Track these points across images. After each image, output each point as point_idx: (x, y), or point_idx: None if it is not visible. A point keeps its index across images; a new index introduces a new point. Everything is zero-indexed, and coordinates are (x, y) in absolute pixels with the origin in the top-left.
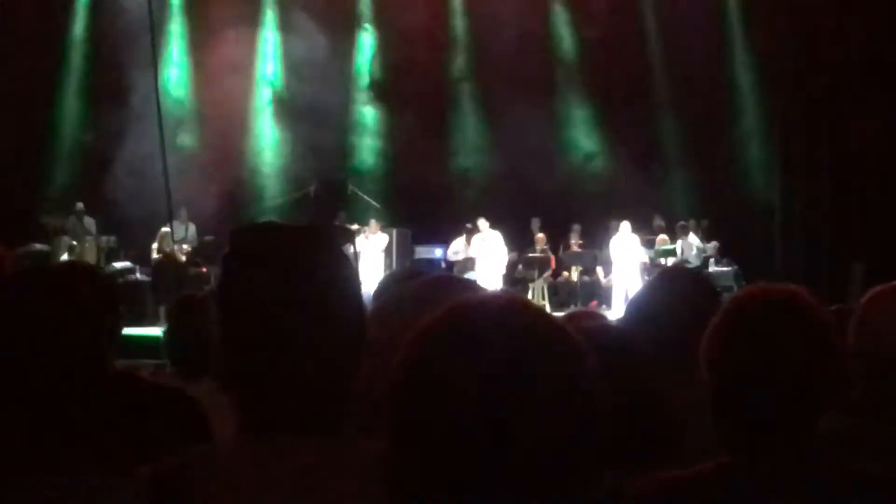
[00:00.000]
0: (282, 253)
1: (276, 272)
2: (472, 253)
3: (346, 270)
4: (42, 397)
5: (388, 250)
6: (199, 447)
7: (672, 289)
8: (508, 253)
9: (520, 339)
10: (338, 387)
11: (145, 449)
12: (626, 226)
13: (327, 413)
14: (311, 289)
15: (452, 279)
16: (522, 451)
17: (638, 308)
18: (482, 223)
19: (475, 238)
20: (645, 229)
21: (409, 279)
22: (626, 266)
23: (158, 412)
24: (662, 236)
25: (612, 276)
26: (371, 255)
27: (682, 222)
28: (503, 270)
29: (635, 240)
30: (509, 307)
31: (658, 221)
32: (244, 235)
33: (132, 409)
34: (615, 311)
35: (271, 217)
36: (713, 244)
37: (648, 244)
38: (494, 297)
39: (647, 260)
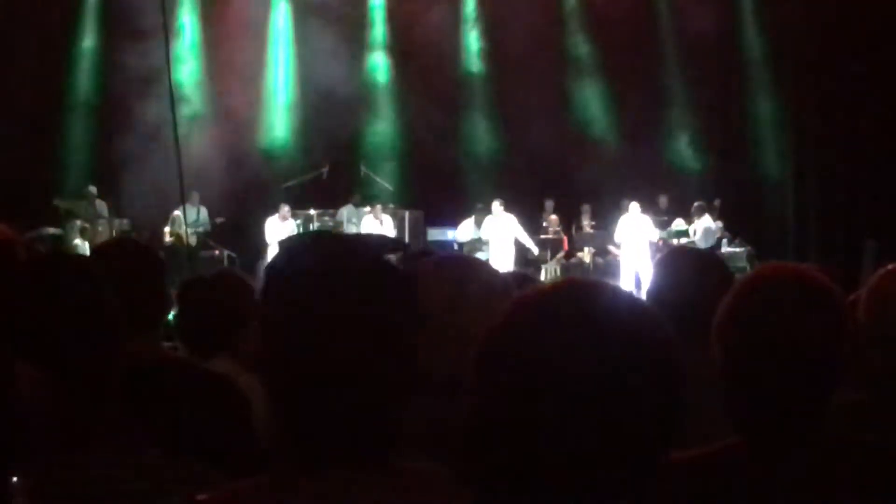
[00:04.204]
0: (330, 268)
1: (325, 288)
2: (483, 235)
3: (398, 289)
4: (78, 378)
5: (399, 232)
6: (250, 481)
7: (680, 269)
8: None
9: (618, 322)
10: (388, 413)
11: (187, 433)
12: (634, 206)
13: (379, 443)
14: (361, 308)
15: (461, 258)
16: (607, 428)
17: (650, 292)
18: (496, 206)
19: (487, 220)
20: (652, 209)
21: (419, 258)
22: (634, 246)
23: (203, 397)
24: (679, 219)
25: (620, 255)
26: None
27: (698, 203)
28: (512, 253)
29: (646, 220)
30: (606, 292)
31: (664, 201)
32: (290, 247)
33: (172, 393)
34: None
35: (280, 201)
36: (719, 224)
37: (660, 225)
38: (594, 282)
39: (656, 239)
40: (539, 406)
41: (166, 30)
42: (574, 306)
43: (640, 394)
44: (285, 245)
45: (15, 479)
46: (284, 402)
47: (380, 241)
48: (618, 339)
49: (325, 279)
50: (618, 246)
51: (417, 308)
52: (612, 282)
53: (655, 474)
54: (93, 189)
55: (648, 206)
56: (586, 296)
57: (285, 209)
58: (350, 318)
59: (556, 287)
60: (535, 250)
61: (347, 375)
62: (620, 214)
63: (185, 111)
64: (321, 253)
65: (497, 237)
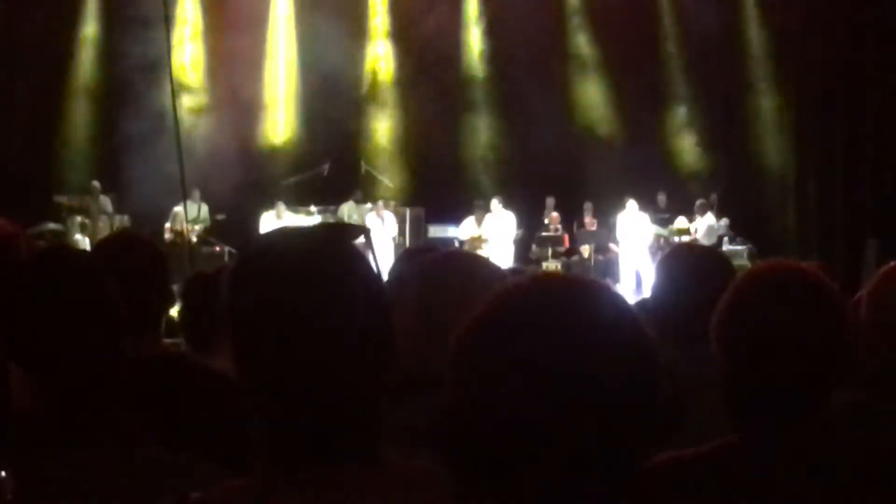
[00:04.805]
0: (293, 264)
1: (289, 285)
2: (483, 232)
3: (363, 276)
4: (77, 375)
5: (400, 229)
6: (242, 479)
7: (683, 266)
8: (517, 230)
9: (594, 321)
10: (367, 407)
11: (188, 429)
12: (632, 204)
13: (360, 438)
14: (328, 301)
15: (463, 254)
16: (578, 425)
17: (654, 290)
18: (494, 203)
19: (487, 218)
20: (651, 206)
21: (423, 255)
22: (633, 243)
23: (203, 394)
24: (681, 217)
25: (620, 252)
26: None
27: (700, 201)
28: (511, 250)
29: (644, 217)
30: (580, 287)
31: (662, 199)
32: (252, 249)
33: (172, 390)
34: (622, 287)
35: (286, 196)
36: (724, 221)
37: (661, 223)
38: (574, 278)
39: (653, 237)
40: (507, 403)
41: (168, 24)
42: (546, 302)
43: (611, 390)
44: (250, 245)
45: (3, 473)
46: (261, 401)
47: (342, 229)
48: (589, 334)
49: (291, 274)
50: (618, 243)
51: (386, 293)
52: (611, 280)
53: (633, 475)
54: (97, 184)
55: (649, 204)
56: (559, 291)
57: (281, 206)
58: (319, 311)
59: (529, 283)
60: (509, 261)
61: (322, 370)
62: (620, 212)
63: (185, 104)
64: (285, 249)
65: (496, 234)
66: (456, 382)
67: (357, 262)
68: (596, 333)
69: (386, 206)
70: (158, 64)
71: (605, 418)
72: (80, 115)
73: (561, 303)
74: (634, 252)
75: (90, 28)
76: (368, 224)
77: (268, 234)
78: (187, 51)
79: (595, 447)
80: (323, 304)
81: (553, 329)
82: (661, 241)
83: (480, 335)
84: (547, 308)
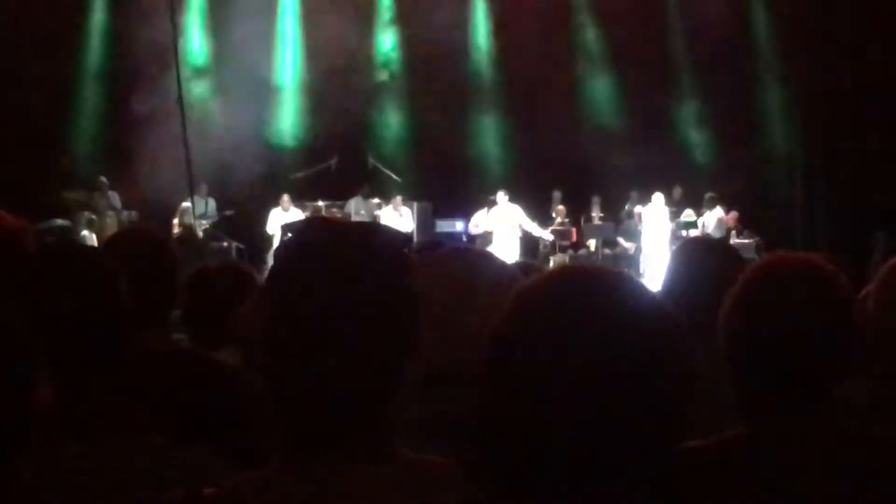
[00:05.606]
0: (339, 251)
1: (331, 270)
2: (489, 225)
3: (404, 276)
4: (83, 370)
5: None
6: (255, 473)
7: (693, 259)
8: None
9: (622, 309)
10: (386, 402)
11: (193, 422)
12: (658, 197)
13: (375, 433)
14: (366, 292)
15: (470, 250)
16: (616, 418)
17: (665, 282)
18: (500, 196)
19: (493, 211)
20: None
21: (429, 250)
22: (655, 237)
23: (209, 387)
24: (688, 210)
25: (641, 244)
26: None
27: (709, 194)
28: (517, 244)
29: (667, 212)
30: (608, 278)
31: (678, 192)
32: (300, 230)
33: (181, 384)
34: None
35: (293, 191)
36: (732, 214)
37: (671, 216)
38: (596, 269)
39: (668, 232)
40: (548, 397)
41: (173, 13)
42: (577, 294)
43: (648, 381)
44: (293, 227)
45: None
46: (279, 387)
47: (395, 233)
48: (623, 326)
49: (334, 261)
50: (632, 237)
51: (419, 298)
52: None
53: (668, 465)
54: (104, 180)
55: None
56: (589, 283)
57: (286, 199)
58: (353, 301)
59: (558, 275)
60: (549, 237)
61: (345, 359)
62: (627, 205)
63: (192, 94)
64: (329, 236)
65: (502, 227)
66: (493, 380)
67: (395, 259)
68: (636, 325)
69: (404, 202)
70: (166, 53)
71: (646, 410)
72: (88, 106)
73: (598, 296)
74: (654, 245)
75: (98, 14)
76: (385, 219)
77: (312, 221)
78: (195, 40)
79: (633, 439)
80: (352, 297)
81: (592, 322)
82: (671, 234)
83: (519, 332)
84: (584, 301)
